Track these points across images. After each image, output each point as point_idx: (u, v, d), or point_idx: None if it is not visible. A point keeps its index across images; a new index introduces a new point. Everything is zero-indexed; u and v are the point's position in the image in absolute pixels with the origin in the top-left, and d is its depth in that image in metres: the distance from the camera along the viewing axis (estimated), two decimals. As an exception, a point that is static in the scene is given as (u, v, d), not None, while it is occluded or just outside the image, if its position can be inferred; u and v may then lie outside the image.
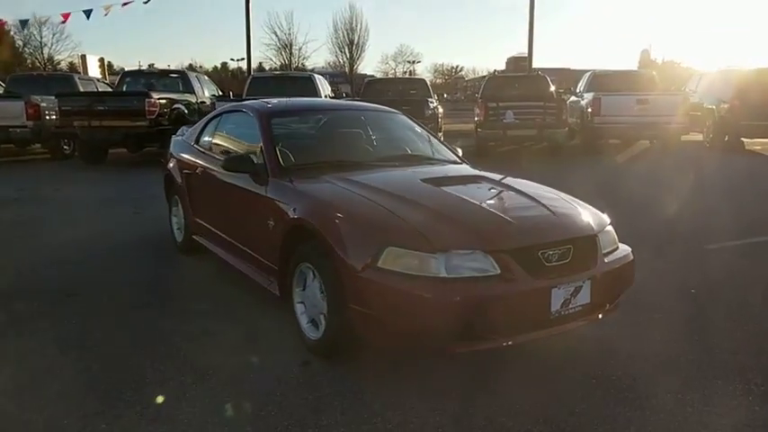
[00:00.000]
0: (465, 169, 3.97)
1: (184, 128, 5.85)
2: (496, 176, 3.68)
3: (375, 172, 3.62)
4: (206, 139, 4.75)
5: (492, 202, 3.12)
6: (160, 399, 2.66)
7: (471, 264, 2.62)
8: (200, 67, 56.58)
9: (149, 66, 37.29)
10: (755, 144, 14.18)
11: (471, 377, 2.85)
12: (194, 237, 4.80)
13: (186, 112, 12.82)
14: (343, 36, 49.79)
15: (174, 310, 3.76)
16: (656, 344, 3.23)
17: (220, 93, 16.07)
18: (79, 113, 10.91)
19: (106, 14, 18.94)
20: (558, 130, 11.60)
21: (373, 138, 4.30)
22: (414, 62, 65.98)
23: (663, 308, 3.74)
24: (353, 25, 49.59)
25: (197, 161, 4.62)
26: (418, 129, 4.59)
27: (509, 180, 3.62)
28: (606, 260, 2.99)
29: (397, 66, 67.01)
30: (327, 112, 4.53)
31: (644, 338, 3.30)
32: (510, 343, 2.67)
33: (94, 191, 8.69)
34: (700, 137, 14.34)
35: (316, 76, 14.88)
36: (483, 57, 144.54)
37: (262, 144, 3.79)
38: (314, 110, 4.55)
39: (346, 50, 50.50)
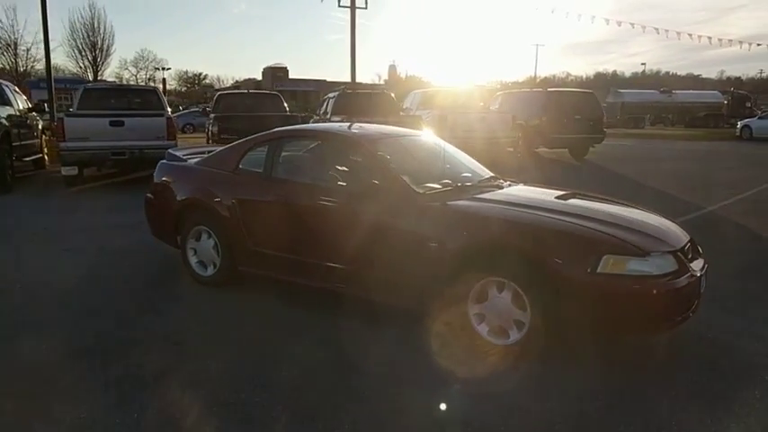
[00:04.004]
0: (544, 187, 4.61)
1: (174, 152, 5.39)
2: (579, 192, 4.38)
3: (502, 192, 4.10)
4: (257, 166, 4.56)
5: (628, 213, 3.83)
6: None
7: (664, 262, 3.28)
8: None
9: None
10: (552, 153, 17.15)
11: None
12: (241, 268, 4.59)
13: (8, 125, 11.00)
14: (84, 38, 45.07)
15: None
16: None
17: (30, 105, 13.90)
18: None
19: None
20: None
21: (447, 160, 4.66)
22: (162, 69, 63.26)
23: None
24: (96, 26, 45.10)
25: (259, 189, 4.44)
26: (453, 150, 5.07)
27: (593, 194, 4.36)
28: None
29: (138, 72, 63.61)
30: (401, 138, 4.75)
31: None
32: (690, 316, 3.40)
33: None
34: (509, 148, 16.82)
35: (158, 89, 13.85)
36: (231, 66, 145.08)
37: (380, 171, 3.94)
38: (392, 136, 4.71)
39: (88, 54, 45.78)
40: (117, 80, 57.81)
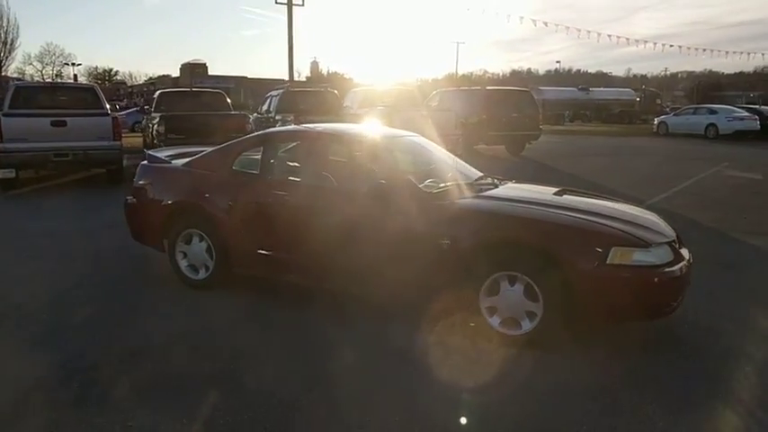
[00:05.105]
0: (534, 184, 4.84)
1: (155, 154, 5.24)
2: (568, 188, 4.64)
3: (501, 189, 4.29)
4: (252, 167, 4.55)
5: (622, 207, 4.13)
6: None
7: (663, 253, 3.58)
8: None
9: None
10: (489, 150, 17.66)
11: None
12: (237, 270, 4.56)
13: None
14: (-16, 31, 42.19)
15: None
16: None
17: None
18: None
19: None
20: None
21: (435, 159, 4.80)
22: (72, 64, 60.77)
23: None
24: (-1, 19, 42.43)
25: (258, 190, 4.42)
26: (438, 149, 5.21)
27: (582, 190, 4.64)
28: (680, 243, 4.26)
29: (44, 67, 60.78)
30: (396, 138, 4.84)
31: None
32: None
33: None
34: (451, 145, 17.24)
35: (96, 86, 13.18)
36: (143, 62, 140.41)
37: (387, 170, 4.04)
38: (387, 136, 4.78)
39: (-11, 48, 42.88)
40: (20, 76, 54.57)
